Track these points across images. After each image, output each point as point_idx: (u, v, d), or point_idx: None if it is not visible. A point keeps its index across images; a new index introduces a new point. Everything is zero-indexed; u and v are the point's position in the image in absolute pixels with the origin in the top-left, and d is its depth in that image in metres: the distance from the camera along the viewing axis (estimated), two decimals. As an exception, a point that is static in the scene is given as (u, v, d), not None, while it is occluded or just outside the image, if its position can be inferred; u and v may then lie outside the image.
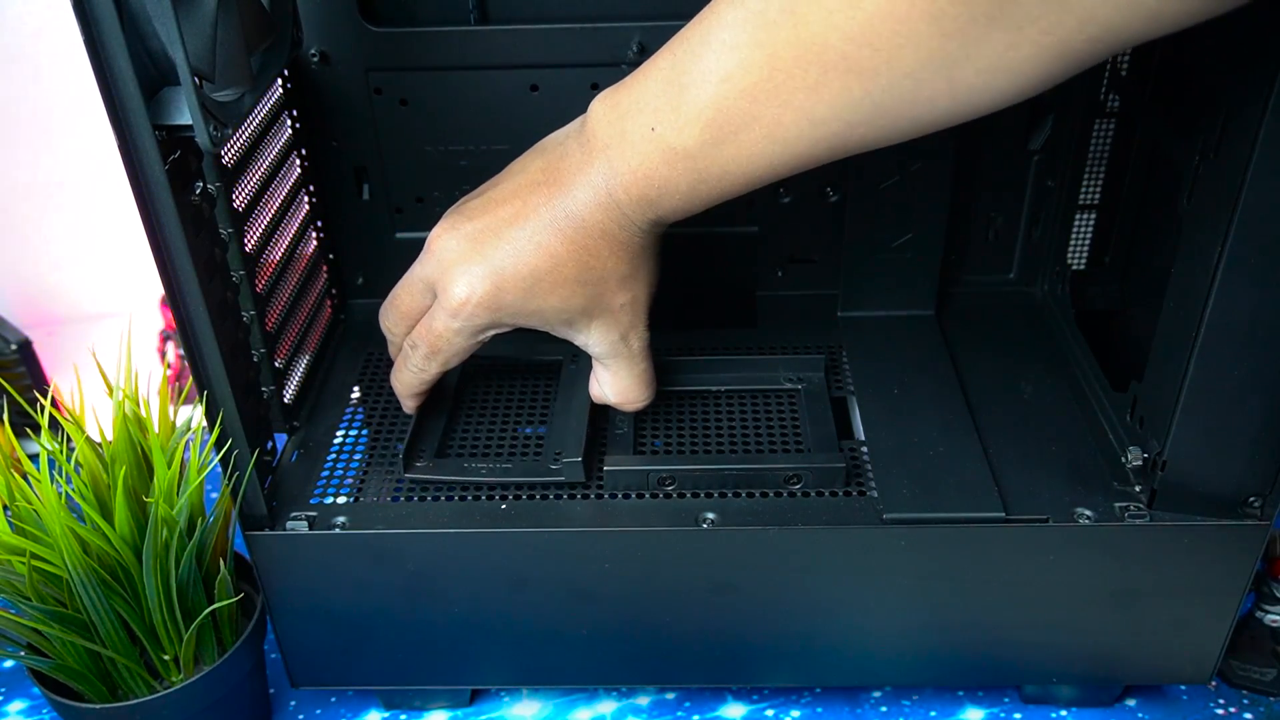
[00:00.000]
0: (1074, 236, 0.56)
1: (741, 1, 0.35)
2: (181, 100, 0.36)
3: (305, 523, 0.45)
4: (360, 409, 0.53)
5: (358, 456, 0.50)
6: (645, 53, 0.51)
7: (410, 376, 0.47)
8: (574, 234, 0.41)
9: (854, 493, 0.46)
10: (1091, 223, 0.56)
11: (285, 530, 0.45)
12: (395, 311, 0.46)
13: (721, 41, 0.36)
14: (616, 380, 0.46)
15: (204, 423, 0.43)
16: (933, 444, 0.48)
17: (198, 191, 0.41)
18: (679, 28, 0.50)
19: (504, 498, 0.47)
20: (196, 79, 0.37)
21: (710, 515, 0.45)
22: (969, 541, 0.44)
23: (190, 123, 0.36)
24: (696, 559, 0.45)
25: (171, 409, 0.46)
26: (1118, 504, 0.45)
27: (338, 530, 0.45)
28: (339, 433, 0.51)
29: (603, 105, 0.40)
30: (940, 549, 0.45)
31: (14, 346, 0.70)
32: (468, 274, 0.42)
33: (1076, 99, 0.53)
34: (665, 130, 0.38)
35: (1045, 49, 0.32)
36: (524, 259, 0.42)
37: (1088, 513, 0.44)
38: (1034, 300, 0.58)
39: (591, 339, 0.45)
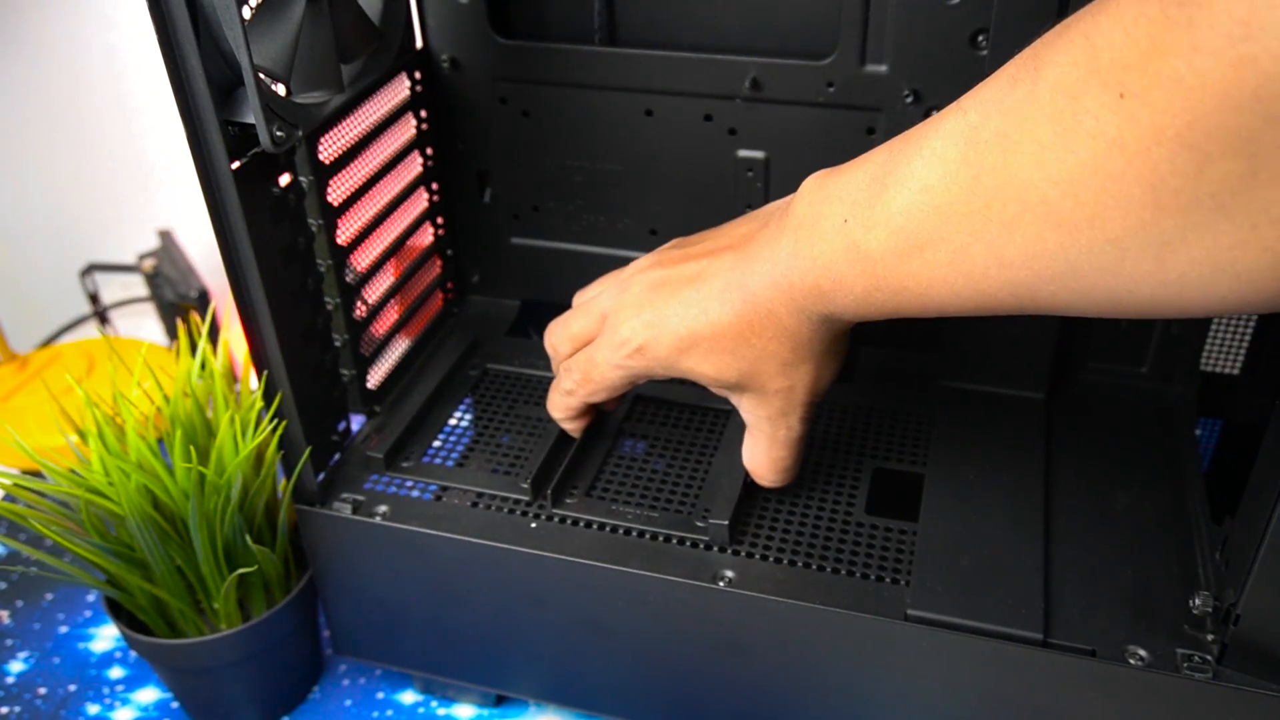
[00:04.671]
0: (1210, 336, 0.49)
1: (964, 111, 0.32)
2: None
3: (350, 506, 0.48)
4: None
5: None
6: (759, 88, 0.50)
7: (559, 399, 0.49)
8: (741, 307, 0.40)
9: (887, 579, 0.43)
10: (1242, 322, 0.49)
11: (330, 510, 0.48)
12: (564, 330, 0.48)
13: (933, 149, 0.33)
14: (753, 452, 0.45)
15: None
16: (991, 541, 0.44)
17: (284, 184, 0.43)
18: (794, 66, 0.49)
19: (536, 516, 0.47)
20: (273, 82, 0.39)
21: (729, 574, 0.43)
22: (997, 659, 0.40)
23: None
24: (709, 615, 0.44)
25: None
26: (1180, 649, 0.39)
27: (377, 519, 0.47)
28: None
29: (812, 183, 0.39)
30: (964, 660, 0.41)
31: (194, 294, 0.77)
32: (635, 318, 0.43)
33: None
34: (855, 226, 0.36)
35: None
36: (686, 320, 0.41)
37: (1141, 652, 0.39)
38: (1165, 400, 0.52)
39: (743, 408, 0.44)
